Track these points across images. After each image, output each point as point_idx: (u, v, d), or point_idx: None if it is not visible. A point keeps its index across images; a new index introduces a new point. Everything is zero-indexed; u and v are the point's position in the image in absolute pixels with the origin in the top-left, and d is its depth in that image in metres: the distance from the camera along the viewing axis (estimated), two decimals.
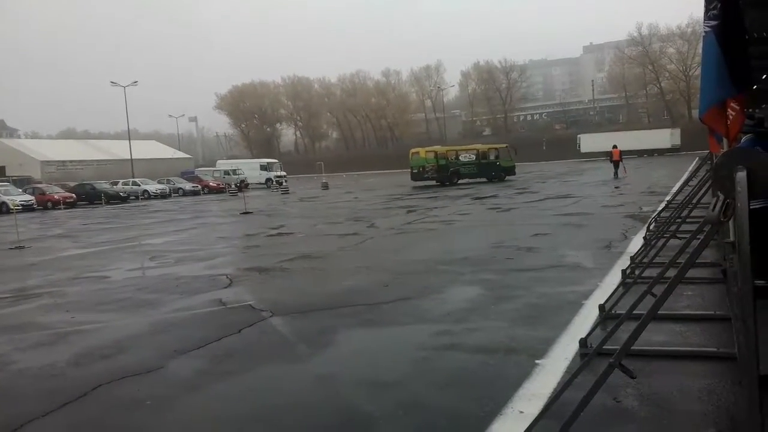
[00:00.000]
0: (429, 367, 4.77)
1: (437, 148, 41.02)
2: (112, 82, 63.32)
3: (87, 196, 42.66)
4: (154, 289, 8.84)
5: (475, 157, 38.82)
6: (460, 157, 38.46)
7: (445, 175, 37.17)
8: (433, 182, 37.06)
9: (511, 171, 38.69)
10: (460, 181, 37.47)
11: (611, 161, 32.89)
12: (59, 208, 37.56)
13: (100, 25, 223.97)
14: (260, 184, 56.20)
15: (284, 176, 56.73)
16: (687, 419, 3.51)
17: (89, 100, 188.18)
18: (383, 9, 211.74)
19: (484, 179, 37.61)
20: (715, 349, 4.56)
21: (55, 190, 42.05)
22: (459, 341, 5.35)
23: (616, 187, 24.06)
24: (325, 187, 42.04)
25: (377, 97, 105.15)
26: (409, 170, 38.59)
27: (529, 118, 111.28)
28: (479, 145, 42.52)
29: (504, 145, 41.00)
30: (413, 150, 40.16)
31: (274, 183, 54.04)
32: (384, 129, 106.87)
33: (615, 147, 32.77)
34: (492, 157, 38.86)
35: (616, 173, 31.22)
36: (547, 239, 11.27)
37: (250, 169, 58.54)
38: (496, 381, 4.34)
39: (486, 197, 23.93)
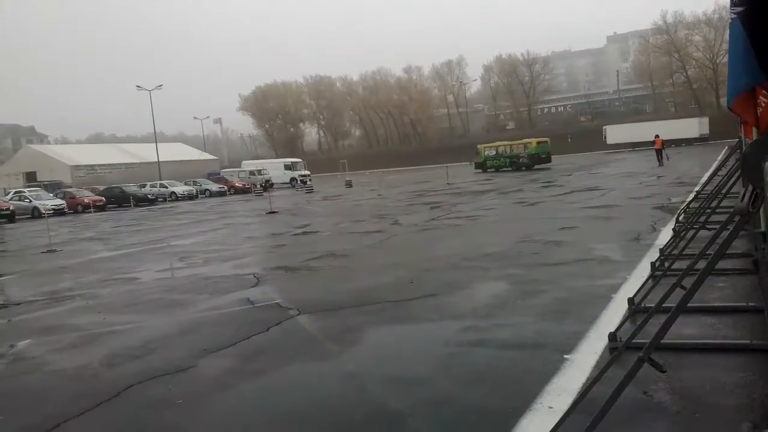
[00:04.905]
0: (456, 363, 4.76)
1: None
2: (137, 86, 64.38)
3: (116, 199, 43.38)
4: (184, 290, 8.97)
5: None
6: None
7: None
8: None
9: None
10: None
11: (655, 150, 34.74)
12: (89, 212, 38.27)
13: (125, 30, 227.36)
14: (285, 183, 56.57)
15: (308, 175, 57.02)
16: (720, 413, 3.46)
17: (116, 104, 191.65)
18: (404, 5, 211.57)
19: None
20: (747, 342, 4.48)
21: (85, 194, 42.85)
22: (486, 337, 5.33)
23: (658, 177, 23.68)
24: (349, 185, 42.17)
25: (399, 93, 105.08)
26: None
27: (553, 110, 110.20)
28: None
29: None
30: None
31: (299, 182, 54.35)
32: (407, 125, 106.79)
33: (657, 136, 35.11)
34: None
35: (660, 161, 33.01)
36: (574, 233, 11.16)
37: (275, 169, 58.94)
38: (524, 376, 4.32)
39: (511, 191, 23.78)
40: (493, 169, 47.55)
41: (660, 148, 33.88)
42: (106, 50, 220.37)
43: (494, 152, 49.90)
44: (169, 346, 6.01)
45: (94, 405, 4.50)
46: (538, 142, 47.64)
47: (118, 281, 10.39)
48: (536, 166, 44.86)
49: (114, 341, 6.40)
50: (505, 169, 46.93)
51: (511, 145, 49.48)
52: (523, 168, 45.07)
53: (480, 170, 48.56)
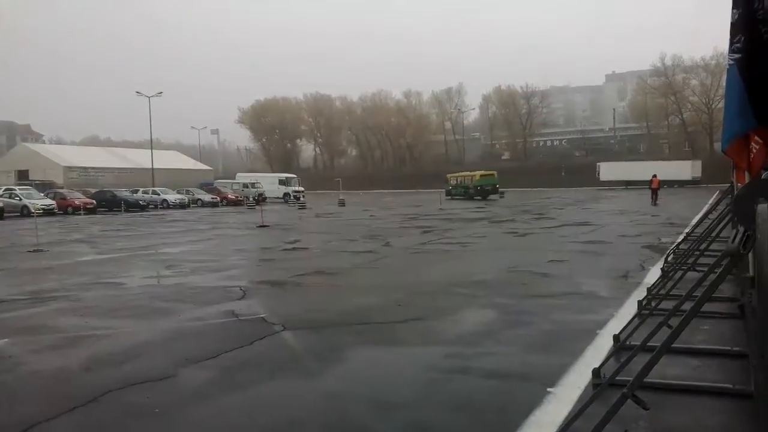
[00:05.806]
0: (439, 389, 4.74)
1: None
2: (137, 92, 64.44)
3: (107, 203, 43.09)
4: (169, 298, 8.90)
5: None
6: None
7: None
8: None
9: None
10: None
11: (650, 189, 35.29)
12: (79, 214, 37.99)
13: (127, 36, 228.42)
14: (278, 198, 56.57)
15: (302, 191, 57.10)
16: None
17: (114, 108, 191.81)
18: (406, 32, 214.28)
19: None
20: (730, 386, 4.48)
21: (76, 196, 42.52)
22: (471, 365, 5.31)
23: (652, 216, 23.86)
24: (342, 203, 42.17)
25: (397, 116, 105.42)
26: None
27: (548, 143, 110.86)
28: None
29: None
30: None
31: (292, 198, 54.39)
32: (403, 149, 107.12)
33: (654, 176, 35.70)
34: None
35: (654, 200, 33.35)
36: (563, 266, 11.18)
37: (269, 183, 58.95)
38: (506, 407, 4.30)
39: (503, 221, 23.84)
40: (460, 197, 51.53)
41: (656, 187, 34.35)
42: (107, 54, 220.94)
43: (456, 182, 54.38)
44: (150, 353, 5.95)
45: (69, 408, 4.44)
46: (482, 175, 51.43)
47: (103, 285, 10.30)
48: (484, 198, 48.16)
49: (94, 345, 6.32)
50: (464, 197, 50.78)
51: (464, 177, 53.73)
52: (476, 197, 48.72)
53: (449, 197, 52.83)
